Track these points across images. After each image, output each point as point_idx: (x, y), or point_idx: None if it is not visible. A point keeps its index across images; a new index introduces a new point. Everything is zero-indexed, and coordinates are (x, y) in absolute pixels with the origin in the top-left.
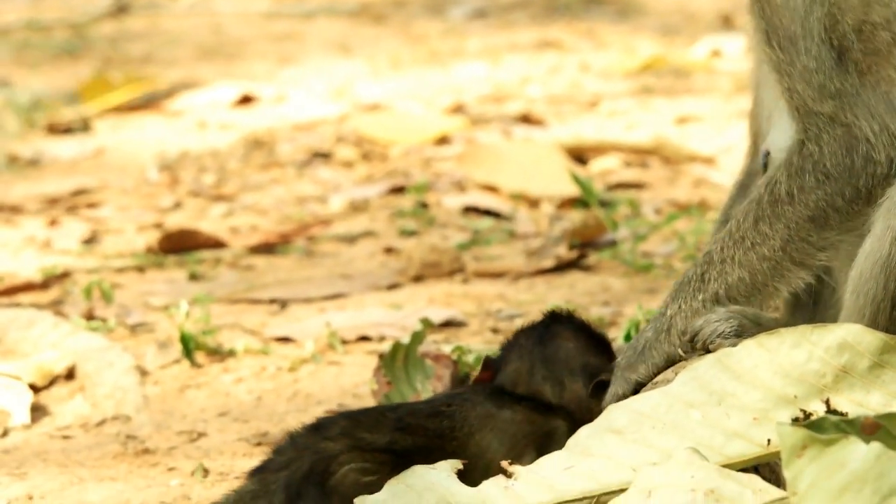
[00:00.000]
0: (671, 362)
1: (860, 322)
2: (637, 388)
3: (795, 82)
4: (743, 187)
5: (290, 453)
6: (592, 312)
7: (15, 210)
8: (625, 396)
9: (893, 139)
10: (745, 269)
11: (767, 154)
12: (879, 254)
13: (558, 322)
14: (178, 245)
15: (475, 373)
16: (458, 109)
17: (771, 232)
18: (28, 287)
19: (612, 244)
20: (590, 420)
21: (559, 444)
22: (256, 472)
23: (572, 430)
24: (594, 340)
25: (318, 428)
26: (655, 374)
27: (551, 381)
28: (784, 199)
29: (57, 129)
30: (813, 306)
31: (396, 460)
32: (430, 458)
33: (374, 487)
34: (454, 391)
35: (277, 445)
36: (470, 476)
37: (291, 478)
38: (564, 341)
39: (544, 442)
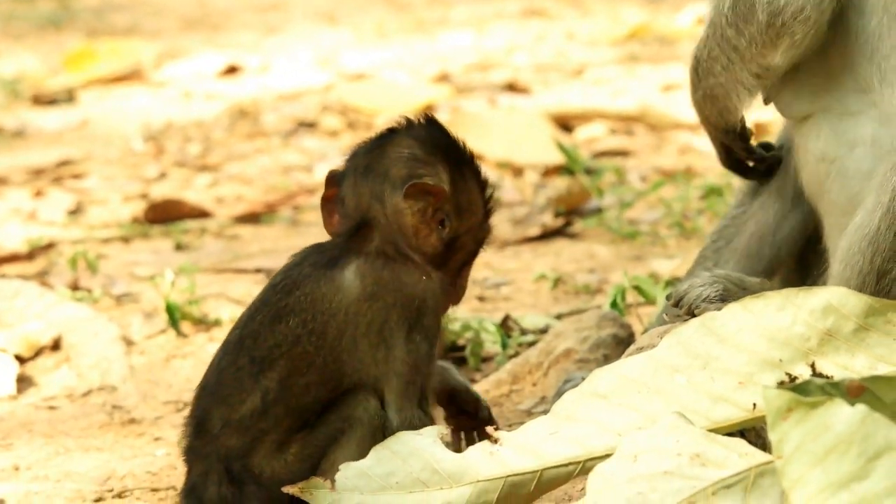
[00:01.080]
0: None
1: None
2: None
3: None
4: None
5: (201, 465)
6: (578, 279)
7: (0, 181)
8: None
9: None
10: (715, 76)
11: None
12: (868, 228)
13: (405, 128)
14: (164, 215)
15: None
16: (444, 78)
17: (717, 52)
18: (13, 258)
19: (598, 211)
20: (434, 255)
21: (433, 306)
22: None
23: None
24: (438, 150)
25: (200, 427)
26: None
27: (374, 197)
28: (719, 25)
29: (42, 101)
30: (802, 276)
31: (284, 404)
32: (307, 372)
33: (301, 451)
34: (286, 266)
35: (185, 459)
36: (349, 364)
37: (222, 493)
38: (394, 149)
39: (419, 311)
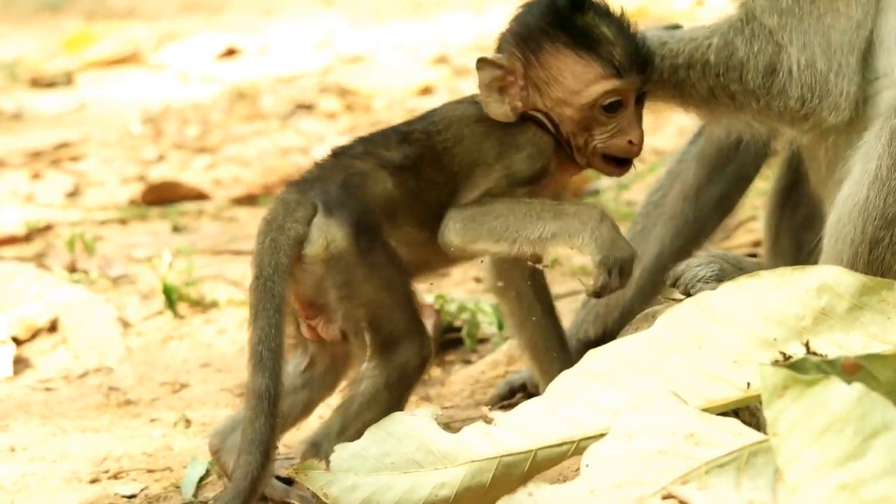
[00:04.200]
0: None
1: (839, 265)
2: None
3: None
4: None
5: (322, 172)
6: (574, 261)
7: None
8: None
9: (814, 78)
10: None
11: None
12: (857, 198)
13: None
14: (161, 197)
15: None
16: (442, 60)
17: (698, 80)
18: (11, 240)
19: (596, 193)
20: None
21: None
22: (294, 184)
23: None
24: (519, 24)
25: (341, 152)
26: None
27: None
28: (712, 65)
29: (40, 83)
30: (795, 253)
31: (411, 170)
32: (434, 164)
33: (398, 193)
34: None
35: (305, 170)
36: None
37: (328, 187)
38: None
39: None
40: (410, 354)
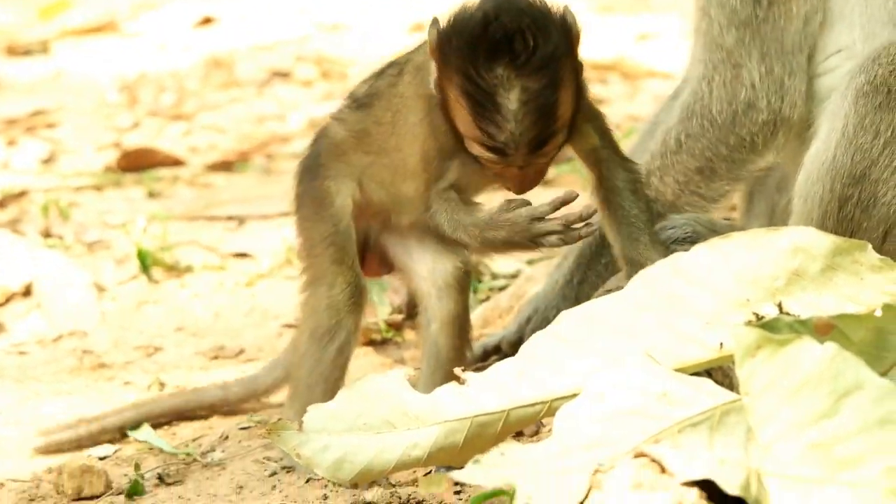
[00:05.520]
0: None
1: (809, 225)
2: None
3: (713, 5)
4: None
5: None
6: None
7: None
8: None
9: (777, 84)
10: None
11: None
12: (825, 156)
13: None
14: (137, 164)
15: None
16: (420, 27)
17: (663, 187)
18: None
19: (571, 159)
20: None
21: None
22: None
23: None
24: (463, 28)
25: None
26: None
27: None
28: (673, 148)
29: (16, 52)
30: (770, 215)
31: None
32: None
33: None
34: None
35: None
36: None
37: None
38: None
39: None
40: (330, 292)
